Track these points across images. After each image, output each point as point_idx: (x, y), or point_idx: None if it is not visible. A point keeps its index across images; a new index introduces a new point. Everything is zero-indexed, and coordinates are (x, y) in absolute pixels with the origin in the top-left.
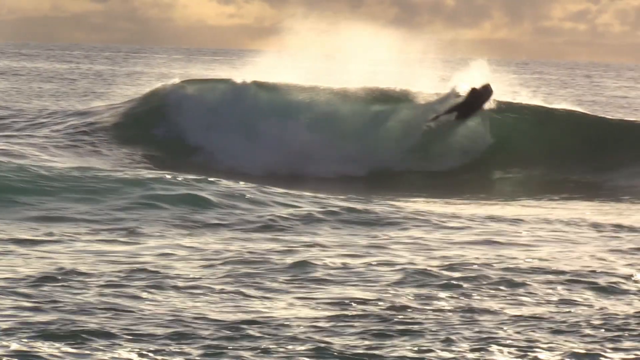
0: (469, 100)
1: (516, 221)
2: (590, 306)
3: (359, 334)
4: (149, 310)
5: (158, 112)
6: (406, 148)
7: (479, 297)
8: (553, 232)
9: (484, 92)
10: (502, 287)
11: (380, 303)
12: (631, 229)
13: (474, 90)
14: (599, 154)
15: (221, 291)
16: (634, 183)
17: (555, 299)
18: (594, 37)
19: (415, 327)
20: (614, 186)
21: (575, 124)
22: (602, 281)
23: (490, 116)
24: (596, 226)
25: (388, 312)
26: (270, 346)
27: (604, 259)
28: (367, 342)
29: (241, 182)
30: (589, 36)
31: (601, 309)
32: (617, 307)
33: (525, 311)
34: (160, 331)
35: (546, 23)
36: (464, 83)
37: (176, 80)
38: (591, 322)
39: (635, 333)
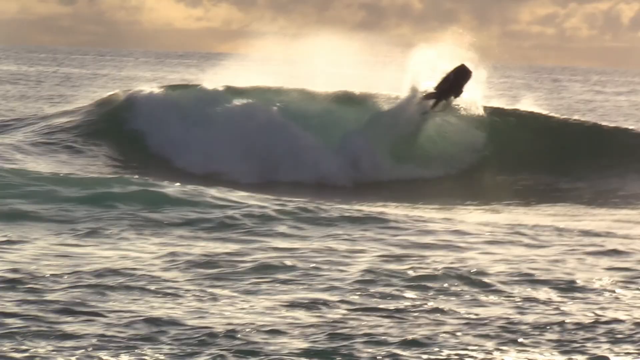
0: (445, 85)
1: (480, 225)
2: (547, 309)
3: (321, 336)
4: (114, 312)
5: (121, 116)
6: (387, 155)
7: (440, 299)
8: (514, 235)
9: (459, 73)
10: (458, 289)
11: (343, 304)
12: (593, 234)
13: (448, 75)
14: (568, 158)
15: (187, 292)
16: (602, 187)
17: (511, 301)
18: (562, 41)
19: (380, 329)
20: (581, 191)
21: (544, 129)
22: (559, 284)
23: (463, 122)
24: (560, 230)
25: (352, 314)
26: (241, 348)
27: (563, 262)
28: (332, 345)
29: (204, 185)
30: (556, 40)
31: (558, 311)
32: (572, 309)
33: (482, 312)
34: (126, 334)
35: (514, 27)
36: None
37: (139, 84)
38: (549, 324)
39: (590, 336)
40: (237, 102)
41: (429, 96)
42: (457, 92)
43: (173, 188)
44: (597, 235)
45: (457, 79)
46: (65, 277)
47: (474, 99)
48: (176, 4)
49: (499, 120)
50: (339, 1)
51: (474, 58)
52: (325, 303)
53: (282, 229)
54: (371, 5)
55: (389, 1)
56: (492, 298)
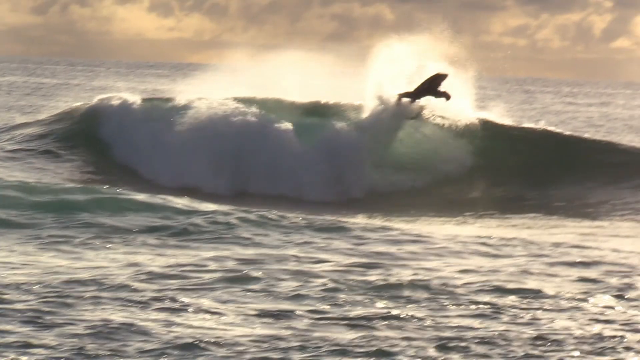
0: (422, 86)
1: (449, 236)
2: (511, 320)
3: (288, 346)
4: (79, 322)
5: (91, 126)
6: (366, 167)
7: (405, 309)
8: (482, 246)
9: (435, 78)
10: (424, 299)
11: (310, 314)
12: (561, 245)
13: (424, 81)
14: (539, 169)
15: (153, 301)
16: (571, 198)
17: (477, 312)
18: (534, 52)
19: (345, 339)
20: (552, 202)
21: (516, 139)
22: (526, 295)
23: (437, 133)
24: (527, 242)
25: (318, 323)
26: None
27: (528, 273)
28: (300, 355)
29: (172, 195)
30: (528, 51)
31: (523, 321)
32: (538, 320)
33: (448, 322)
34: (91, 344)
35: (486, 38)
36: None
37: (110, 94)
38: (515, 335)
39: (556, 348)
40: (209, 112)
41: (405, 95)
42: (435, 92)
43: (139, 197)
44: (565, 246)
45: (433, 82)
46: (30, 286)
47: (455, 110)
48: (148, 15)
49: (475, 132)
50: (310, 12)
51: (452, 62)
52: (291, 313)
53: (247, 237)
54: (343, 16)
55: (361, 12)
56: (458, 308)
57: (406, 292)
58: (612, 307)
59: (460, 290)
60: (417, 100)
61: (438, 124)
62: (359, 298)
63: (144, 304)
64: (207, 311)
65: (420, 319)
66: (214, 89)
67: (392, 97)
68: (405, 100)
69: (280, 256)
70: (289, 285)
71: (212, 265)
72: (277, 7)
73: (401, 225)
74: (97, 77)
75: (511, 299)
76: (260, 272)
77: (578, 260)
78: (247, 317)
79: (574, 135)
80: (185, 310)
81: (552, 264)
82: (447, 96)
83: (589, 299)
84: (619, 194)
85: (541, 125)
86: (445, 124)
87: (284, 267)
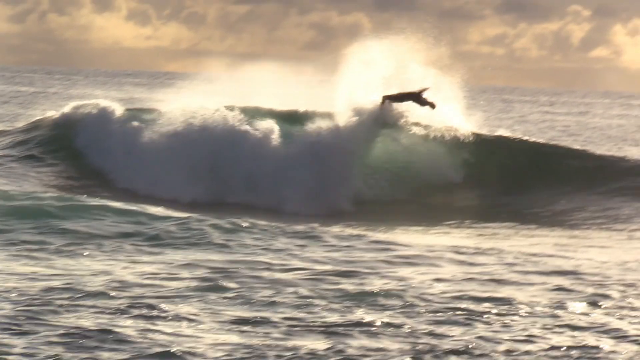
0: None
1: (425, 245)
2: (484, 328)
3: (263, 354)
4: (54, 328)
5: (66, 134)
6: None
7: (379, 317)
8: (457, 255)
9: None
10: (397, 307)
11: (285, 321)
12: (537, 254)
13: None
14: (517, 178)
15: (130, 309)
16: (548, 207)
17: (450, 321)
18: (512, 62)
19: (320, 347)
20: (529, 210)
21: (495, 148)
22: (498, 303)
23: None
24: (501, 251)
25: (293, 331)
26: None
27: (502, 282)
28: None
29: (146, 203)
30: (506, 60)
31: (496, 330)
32: (510, 328)
33: (421, 329)
34: (69, 353)
35: (464, 47)
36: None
37: (86, 102)
38: (487, 343)
39: (527, 358)
40: (186, 120)
41: (389, 97)
42: (420, 99)
43: (114, 204)
44: (541, 255)
45: (420, 91)
46: (4, 293)
47: (438, 118)
48: (125, 23)
49: (457, 141)
50: (288, 21)
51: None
52: (267, 321)
53: (222, 244)
54: (320, 24)
55: (338, 21)
56: (432, 317)
57: (381, 300)
58: (586, 315)
59: (434, 299)
60: (399, 105)
61: (418, 133)
62: (334, 306)
63: (118, 312)
64: (181, 319)
65: (395, 327)
66: (192, 98)
67: (374, 101)
68: (388, 103)
69: (254, 263)
70: (263, 293)
71: (186, 273)
72: (254, 16)
73: (378, 234)
74: (74, 85)
75: (485, 308)
76: (235, 280)
77: (553, 269)
78: (222, 325)
79: (551, 143)
80: (160, 318)
81: (527, 273)
82: (432, 105)
83: (562, 307)
84: (596, 203)
85: (518, 134)
86: (426, 133)
87: (259, 275)
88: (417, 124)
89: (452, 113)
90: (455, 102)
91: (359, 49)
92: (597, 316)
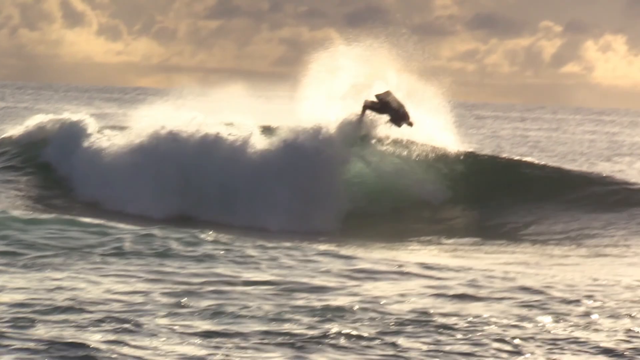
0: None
1: (389, 260)
2: (445, 347)
3: None
4: (20, 343)
5: (34, 148)
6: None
7: (342, 332)
8: (426, 270)
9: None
10: (360, 322)
11: (255, 335)
12: (502, 271)
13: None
14: (489, 193)
15: (98, 322)
16: (518, 223)
17: (413, 336)
18: (483, 77)
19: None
20: (498, 227)
21: (468, 164)
22: (463, 318)
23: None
24: (466, 268)
25: (260, 346)
26: None
27: (467, 299)
28: None
29: (112, 219)
30: (477, 76)
31: (461, 347)
32: (475, 345)
33: (385, 344)
34: None
35: (434, 62)
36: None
37: (55, 116)
38: None
39: None
40: (156, 133)
41: (370, 106)
42: (399, 114)
43: (81, 219)
44: (510, 271)
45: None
46: None
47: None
48: (96, 38)
49: (432, 157)
50: (259, 36)
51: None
52: (235, 334)
53: (187, 258)
54: (291, 40)
55: (309, 36)
56: (399, 332)
57: (349, 315)
58: (554, 331)
59: (402, 314)
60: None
61: (391, 148)
62: (303, 320)
63: (87, 326)
64: (150, 332)
65: (363, 340)
66: (162, 113)
67: (353, 112)
68: (368, 112)
69: (222, 276)
70: (231, 307)
71: (153, 287)
72: (225, 32)
73: (349, 249)
74: (45, 100)
75: (453, 323)
76: (202, 294)
77: (522, 285)
78: (192, 338)
79: (523, 160)
80: (129, 332)
81: (496, 289)
82: (410, 123)
83: (530, 323)
84: (567, 218)
85: (490, 150)
86: (401, 148)
87: (226, 289)
88: (391, 139)
89: (430, 127)
90: (433, 116)
91: (327, 56)
92: (564, 332)
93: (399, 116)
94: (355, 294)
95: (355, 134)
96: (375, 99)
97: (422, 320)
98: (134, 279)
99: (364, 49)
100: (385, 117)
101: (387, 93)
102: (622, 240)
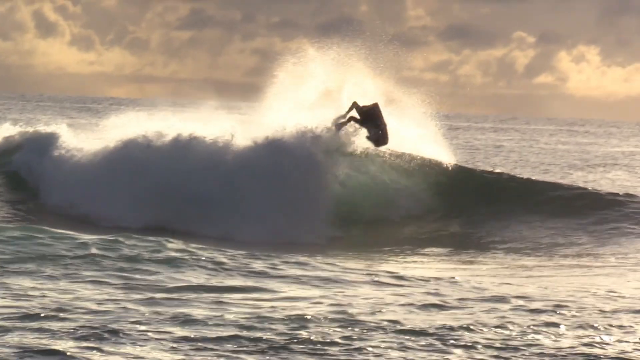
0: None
1: (360, 270)
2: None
3: None
4: None
5: (4, 157)
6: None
7: (310, 341)
8: (393, 280)
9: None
10: (329, 332)
11: (228, 344)
12: (470, 281)
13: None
14: (460, 204)
15: (72, 330)
16: (486, 234)
17: (377, 345)
18: (456, 88)
19: None
20: (467, 237)
21: (439, 174)
22: (430, 329)
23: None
24: (431, 278)
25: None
26: None
27: (430, 308)
28: None
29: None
30: (450, 87)
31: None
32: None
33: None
34: None
35: (407, 73)
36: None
37: (25, 126)
38: None
39: None
40: (130, 142)
41: (354, 118)
42: (377, 127)
43: (53, 229)
44: (482, 282)
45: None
46: None
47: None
48: (69, 49)
49: (398, 167)
50: (231, 47)
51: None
52: (209, 340)
53: (156, 267)
54: (264, 50)
55: (282, 47)
56: (366, 341)
57: (320, 324)
58: (527, 339)
59: (375, 324)
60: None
61: (370, 159)
62: (274, 327)
63: (59, 334)
64: (124, 339)
65: (331, 347)
66: (135, 122)
67: (338, 118)
68: (349, 124)
69: (194, 283)
70: (204, 314)
71: (124, 295)
72: (198, 42)
73: (322, 259)
74: (17, 110)
75: (424, 332)
76: (177, 300)
77: (494, 295)
78: (166, 345)
79: (495, 171)
80: (103, 339)
81: (468, 299)
82: (385, 141)
83: (503, 332)
84: (539, 228)
85: (463, 161)
86: (375, 161)
87: (199, 295)
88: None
89: (412, 138)
90: (415, 126)
91: (295, 63)
92: (530, 340)
93: (381, 135)
94: (329, 304)
95: (334, 143)
96: (360, 110)
97: (390, 329)
98: (105, 286)
99: (336, 55)
100: (365, 132)
101: (375, 105)
102: (594, 250)
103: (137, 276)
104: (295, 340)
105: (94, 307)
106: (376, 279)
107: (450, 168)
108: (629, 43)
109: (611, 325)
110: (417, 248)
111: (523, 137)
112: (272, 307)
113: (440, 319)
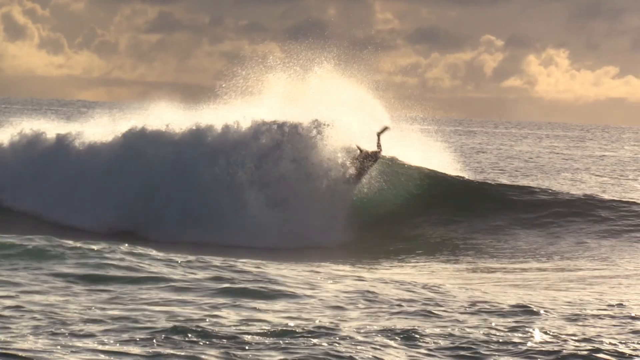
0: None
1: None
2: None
3: None
4: None
5: None
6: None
7: (254, 340)
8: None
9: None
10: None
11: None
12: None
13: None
14: (420, 208)
15: (33, 330)
16: (445, 239)
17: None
18: (424, 91)
19: None
20: (426, 242)
21: (404, 178)
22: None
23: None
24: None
25: None
26: None
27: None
28: None
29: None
30: (419, 90)
31: None
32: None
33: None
34: None
35: (376, 77)
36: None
37: None
38: None
39: None
40: (106, 145)
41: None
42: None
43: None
44: (449, 288)
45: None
46: None
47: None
48: (38, 52)
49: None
50: (199, 50)
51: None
52: (174, 342)
53: (119, 269)
54: (232, 53)
55: (250, 49)
56: (335, 345)
57: (277, 330)
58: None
59: (341, 331)
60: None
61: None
62: (231, 320)
63: (22, 335)
64: (78, 341)
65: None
66: (105, 125)
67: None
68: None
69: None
70: (158, 320)
71: (86, 299)
72: (166, 45)
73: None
74: None
75: (390, 339)
76: (131, 304)
77: (462, 302)
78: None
79: (462, 175)
80: (61, 338)
81: (437, 304)
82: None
83: (461, 339)
84: (507, 233)
85: (430, 165)
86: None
87: (151, 298)
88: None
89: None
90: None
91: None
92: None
93: (355, 179)
94: (293, 310)
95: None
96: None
97: (363, 342)
98: (68, 291)
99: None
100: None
101: (376, 153)
102: (569, 254)
103: (100, 279)
104: (249, 337)
105: (56, 311)
106: (342, 285)
107: (415, 171)
108: (598, 47)
109: (583, 333)
110: (392, 254)
111: (490, 140)
112: (224, 314)
113: (408, 324)
